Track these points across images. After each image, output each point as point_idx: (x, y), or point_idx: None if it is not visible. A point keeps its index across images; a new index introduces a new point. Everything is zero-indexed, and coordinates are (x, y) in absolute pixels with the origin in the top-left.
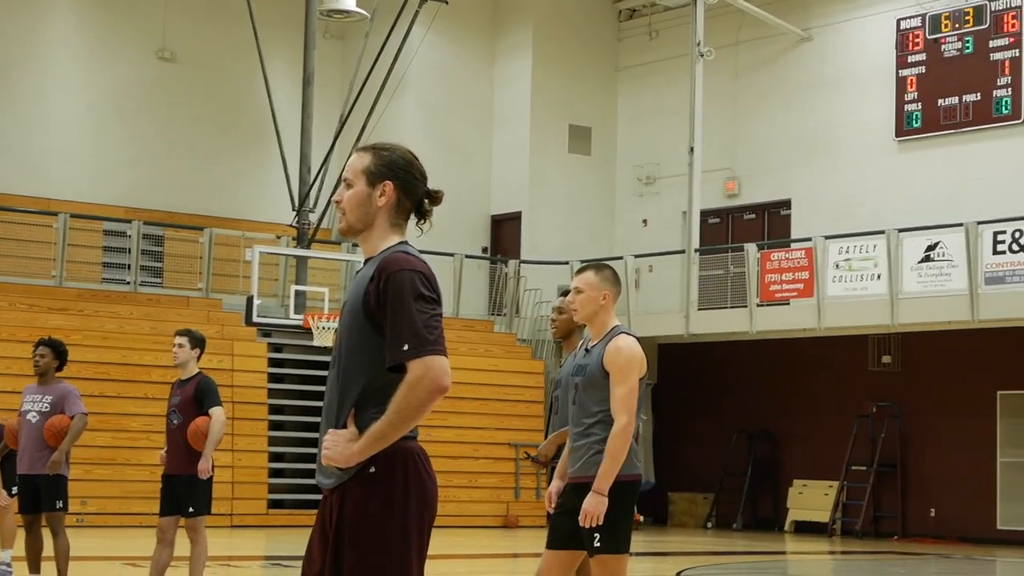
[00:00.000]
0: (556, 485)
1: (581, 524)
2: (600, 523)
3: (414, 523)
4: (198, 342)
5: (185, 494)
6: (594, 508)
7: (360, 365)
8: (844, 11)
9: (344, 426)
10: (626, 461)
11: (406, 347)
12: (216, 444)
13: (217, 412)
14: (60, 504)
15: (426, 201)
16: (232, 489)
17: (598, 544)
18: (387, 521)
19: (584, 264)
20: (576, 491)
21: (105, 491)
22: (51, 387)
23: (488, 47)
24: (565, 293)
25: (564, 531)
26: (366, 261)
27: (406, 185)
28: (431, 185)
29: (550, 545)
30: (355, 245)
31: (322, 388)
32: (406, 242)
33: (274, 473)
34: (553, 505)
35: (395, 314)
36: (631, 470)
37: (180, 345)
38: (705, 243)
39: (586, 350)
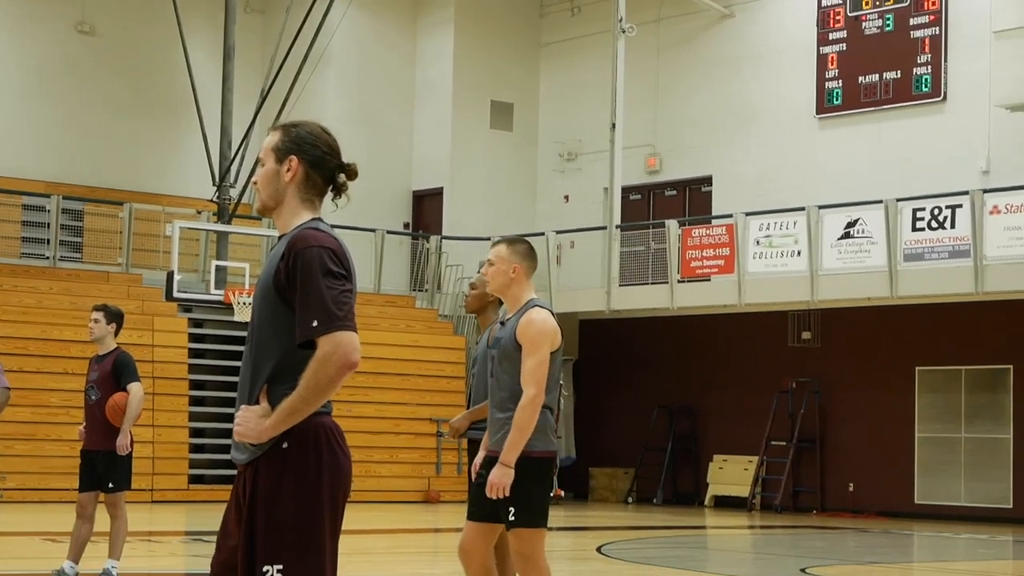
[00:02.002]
0: (481, 456)
1: (488, 495)
2: (506, 495)
3: (327, 498)
4: (114, 317)
5: (105, 470)
6: (499, 479)
7: (272, 341)
8: None
9: (257, 402)
10: (540, 436)
11: (315, 323)
12: (134, 420)
13: (135, 388)
14: None
15: (341, 176)
16: (153, 464)
17: (513, 518)
18: (299, 496)
19: (500, 238)
20: (494, 464)
21: (24, 466)
22: None
23: (410, 23)
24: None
25: (483, 503)
26: (279, 238)
27: (313, 159)
28: (348, 159)
29: (470, 516)
30: None
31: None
32: (319, 219)
33: (195, 448)
34: (475, 477)
35: (304, 291)
36: (546, 446)
37: (96, 320)
38: (626, 219)
39: (501, 323)
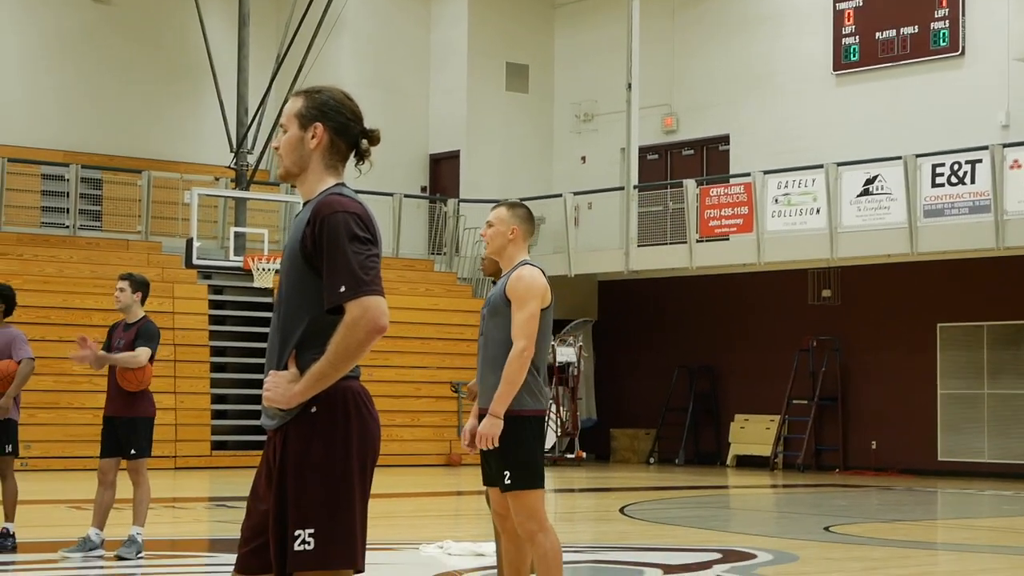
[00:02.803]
0: (471, 423)
1: (478, 446)
2: (495, 445)
3: (356, 462)
4: (139, 285)
5: (126, 436)
6: (488, 430)
7: (300, 308)
8: None
9: (285, 368)
10: (529, 395)
11: (343, 288)
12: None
13: (139, 352)
14: (9, 448)
15: (364, 141)
16: (175, 431)
17: (509, 481)
18: (329, 460)
19: (501, 201)
20: None
21: (48, 435)
22: None
23: None
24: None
25: (488, 467)
26: (304, 204)
27: (338, 126)
28: (367, 125)
29: (485, 481)
30: (294, 186)
31: (264, 329)
32: (342, 184)
33: (217, 415)
34: (467, 442)
35: (331, 256)
36: (536, 404)
37: (121, 289)
38: (644, 180)
39: (493, 283)
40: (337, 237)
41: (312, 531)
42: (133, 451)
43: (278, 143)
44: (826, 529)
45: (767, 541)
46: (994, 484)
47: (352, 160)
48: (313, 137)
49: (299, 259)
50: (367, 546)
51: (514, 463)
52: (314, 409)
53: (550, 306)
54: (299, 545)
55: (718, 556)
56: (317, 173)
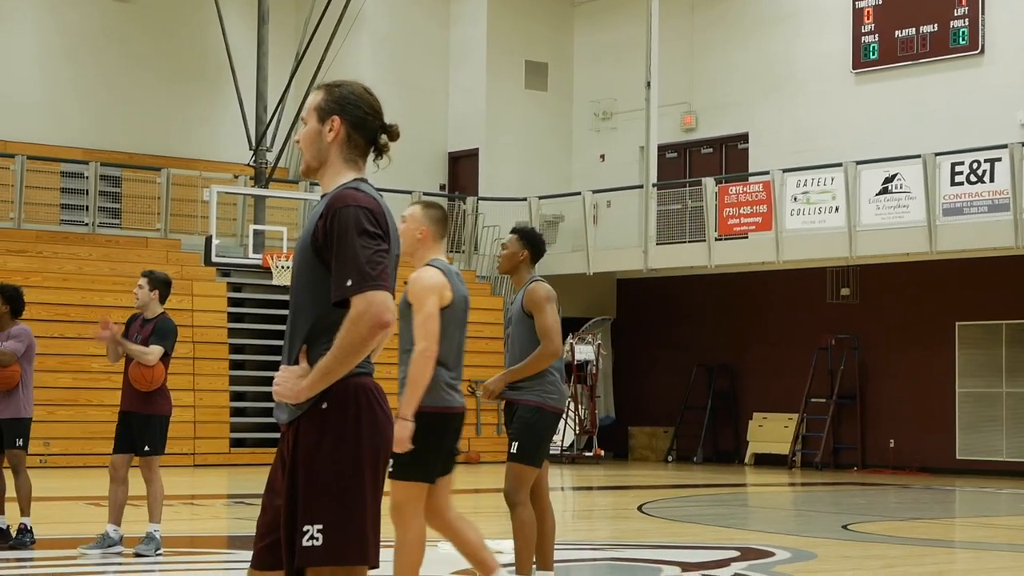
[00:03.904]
0: None
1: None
2: (410, 447)
3: (367, 458)
4: (158, 283)
5: (140, 432)
6: (398, 434)
7: (310, 301)
8: None
9: (296, 362)
10: (432, 391)
11: (349, 282)
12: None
13: (151, 348)
14: (20, 443)
15: (383, 136)
16: (194, 428)
17: (391, 469)
18: (339, 456)
19: (417, 201)
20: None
21: (67, 432)
22: (5, 332)
23: None
24: (514, 230)
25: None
26: (321, 198)
27: (355, 120)
28: (387, 120)
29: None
30: (313, 184)
31: (282, 327)
32: (361, 179)
33: (235, 412)
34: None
35: (340, 250)
36: (433, 401)
37: (140, 286)
38: (663, 178)
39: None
40: (346, 231)
41: (321, 526)
42: (147, 448)
43: (299, 136)
44: (844, 527)
45: (785, 539)
46: (1012, 483)
47: (371, 155)
48: (331, 130)
49: (310, 252)
50: (382, 542)
51: (399, 454)
52: (325, 405)
53: (451, 304)
54: (308, 540)
55: (736, 554)
56: (335, 167)
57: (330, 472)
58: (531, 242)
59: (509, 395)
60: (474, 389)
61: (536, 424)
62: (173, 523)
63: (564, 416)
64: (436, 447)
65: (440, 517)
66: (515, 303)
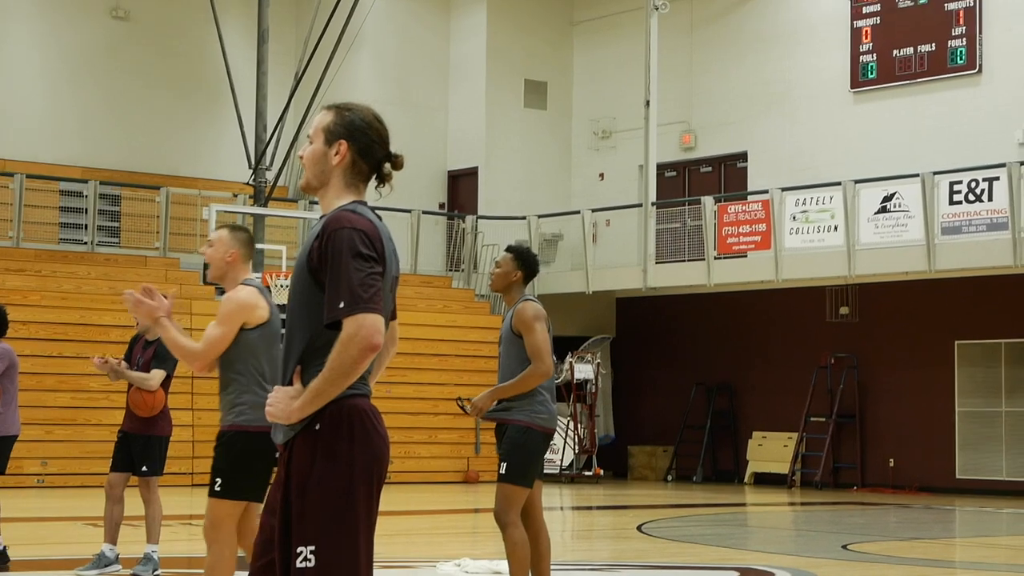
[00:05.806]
0: None
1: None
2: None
3: (360, 480)
4: None
5: (140, 453)
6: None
7: (305, 321)
8: None
9: (291, 382)
10: (257, 409)
11: (341, 304)
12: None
13: (152, 375)
14: (145, 468)
15: (387, 165)
16: (192, 448)
17: (216, 488)
18: (332, 477)
19: (222, 224)
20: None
21: (65, 451)
22: None
23: (443, 2)
24: (509, 249)
25: None
26: (320, 219)
27: (362, 147)
28: (392, 149)
29: None
30: (312, 202)
31: (280, 346)
32: (360, 201)
33: None
34: None
35: (333, 272)
36: (247, 421)
37: None
38: (662, 196)
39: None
40: (340, 253)
41: (313, 547)
42: (145, 468)
43: (303, 153)
44: (844, 547)
45: (785, 559)
46: (1012, 502)
47: (373, 182)
48: (336, 154)
49: (305, 273)
50: (377, 562)
51: (225, 472)
52: (318, 426)
53: (266, 322)
54: (301, 562)
55: (736, 574)
56: (336, 189)
57: (323, 493)
58: (525, 262)
59: (498, 415)
60: (463, 406)
61: (525, 444)
62: (171, 543)
63: (563, 435)
64: (245, 464)
65: (246, 538)
66: (505, 322)
